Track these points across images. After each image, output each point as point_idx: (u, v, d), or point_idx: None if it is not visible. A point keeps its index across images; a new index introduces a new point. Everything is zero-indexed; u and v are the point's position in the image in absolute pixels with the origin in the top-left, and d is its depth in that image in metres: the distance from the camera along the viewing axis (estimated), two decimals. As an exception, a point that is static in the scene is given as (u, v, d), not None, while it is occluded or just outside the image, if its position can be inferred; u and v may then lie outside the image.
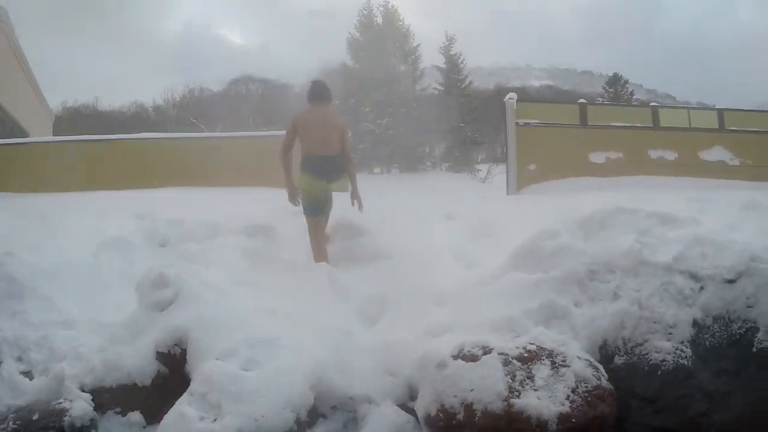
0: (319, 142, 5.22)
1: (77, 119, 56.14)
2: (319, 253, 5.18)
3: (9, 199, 10.11)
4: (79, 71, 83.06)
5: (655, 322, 3.13)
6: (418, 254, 4.82)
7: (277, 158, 5.44)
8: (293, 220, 7.04)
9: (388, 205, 9.22)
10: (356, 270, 4.82)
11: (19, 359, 3.72)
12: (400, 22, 36.21)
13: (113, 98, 64.64)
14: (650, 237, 3.54)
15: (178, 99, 65.87)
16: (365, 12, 36.33)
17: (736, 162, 13.84)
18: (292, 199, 5.40)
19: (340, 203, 5.68)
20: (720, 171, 13.54)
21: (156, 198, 9.75)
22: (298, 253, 5.41)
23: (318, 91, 5.54)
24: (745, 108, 17.11)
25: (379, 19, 36.09)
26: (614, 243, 3.55)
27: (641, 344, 3.11)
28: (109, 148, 13.11)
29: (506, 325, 3.13)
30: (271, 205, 7.85)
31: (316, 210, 5.26)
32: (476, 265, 4.84)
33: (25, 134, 22.00)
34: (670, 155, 14.28)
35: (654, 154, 14.34)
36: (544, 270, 3.49)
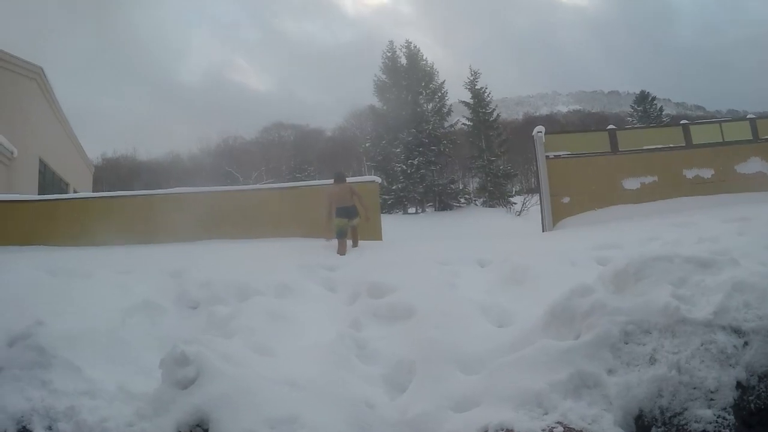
0: (341, 200, 9.54)
1: (117, 170, 58.19)
2: (342, 252, 8.95)
3: (45, 252, 10.34)
4: (112, 122, 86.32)
5: (695, 388, 2.91)
6: (447, 311, 4.64)
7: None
8: (319, 274, 7.07)
9: (417, 252, 9.11)
10: (384, 330, 4.70)
11: (49, 429, 3.80)
12: (424, 61, 36.54)
13: (150, 148, 66.57)
14: (687, 287, 3.33)
15: (212, 148, 67.78)
16: (389, 54, 36.82)
17: (775, 171, 13.40)
18: (329, 235, 9.47)
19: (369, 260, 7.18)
20: (759, 183, 13.04)
21: (192, 252, 9.86)
22: (324, 311, 5.35)
23: (339, 177, 10.25)
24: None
25: (403, 60, 36.49)
26: (650, 297, 3.34)
27: (680, 413, 2.88)
28: (144, 203, 13.35)
29: (534, 399, 2.94)
30: (301, 258, 7.89)
31: (342, 235, 9.26)
32: (507, 321, 4.63)
33: (66, 186, 22.84)
34: (706, 173, 13.83)
35: (689, 173, 13.91)
36: (577, 331, 3.29)
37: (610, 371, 3.06)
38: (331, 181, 10.28)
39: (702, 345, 3.04)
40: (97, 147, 68.19)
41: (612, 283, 3.58)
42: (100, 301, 5.82)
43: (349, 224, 9.38)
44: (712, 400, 2.86)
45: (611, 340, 3.17)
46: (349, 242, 9.53)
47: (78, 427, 3.81)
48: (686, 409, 2.87)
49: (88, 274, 6.92)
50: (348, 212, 9.41)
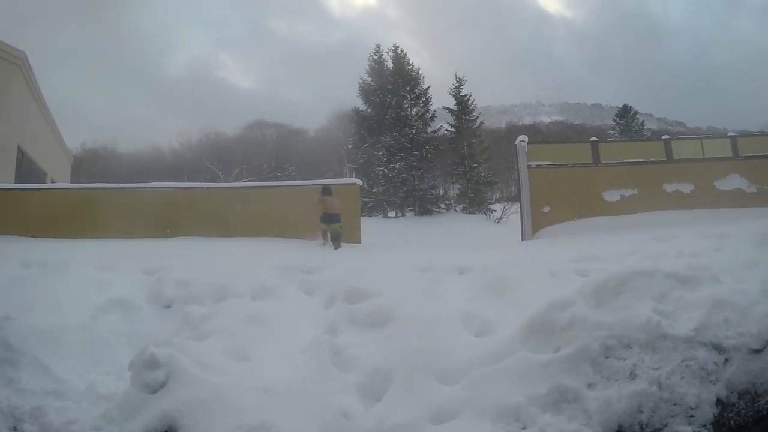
0: (329, 208, 11.61)
1: (96, 161, 57.27)
2: (323, 239, 11.63)
3: (19, 243, 10.09)
4: (93, 112, 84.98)
5: (675, 404, 2.89)
6: (426, 318, 4.54)
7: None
8: (299, 277, 6.98)
9: (397, 257, 9.08)
10: (361, 336, 4.60)
11: (14, 430, 3.67)
12: (410, 66, 36.60)
13: (130, 140, 65.77)
14: (668, 302, 3.32)
15: (194, 143, 67.19)
16: (375, 57, 36.81)
17: (753, 189, 13.56)
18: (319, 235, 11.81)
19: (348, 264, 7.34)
20: (737, 199, 13.32)
21: (170, 249, 9.70)
22: (301, 315, 5.27)
23: (327, 190, 12.06)
24: (756, 131, 16.88)
25: (390, 64, 36.51)
26: (631, 312, 3.30)
27: (660, 429, 2.86)
28: (125, 197, 13.14)
29: (513, 413, 2.89)
30: (282, 259, 7.80)
31: (324, 232, 11.65)
32: (487, 331, 4.57)
33: (43, 175, 22.38)
34: (686, 188, 14.04)
35: (669, 187, 14.10)
36: (556, 345, 3.24)
37: (590, 385, 3.02)
38: (320, 188, 12.45)
39: (683, 361, 3.02)
40: (77, 137, 66.93)
41: (592, 296, 3.53)
42: (74, 296, 5.66)
43: (329, 228, 11.67)
44: (692, 416, 2.85)
45: (591, 354, 3.13)
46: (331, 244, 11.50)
47: (43, 428, 3.69)
48: (666, 425, 2.85)
49: (63, 267, 6.74)
50: (330, 219, 11.64)
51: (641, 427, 2.91)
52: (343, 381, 3.80)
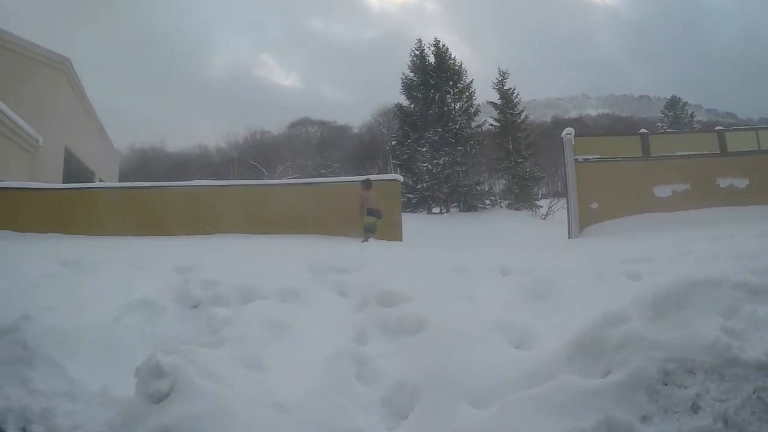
0: (372, 204, 11.88)
1: (145, 160, 58.88)
2: (368, 236, 11.57)
3: (62, 241, 10.24)
4: (140, 115, 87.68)
5: (745, 448, 2.37)
6: (461, 327, 4.18)
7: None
8: (332, 277, 6.71)
9: (435, 256, 8.71)
10: (389, 344, 4.25)
11: (23, 430, 3.63)
12: (452, 60, 36.13)
13: (178, 141, 67.70)
14: (738, 319, 2.83)
15: (240, 142, 68.22)
16: (417, 52, 36.47)
17: (813, 184, 12.75)
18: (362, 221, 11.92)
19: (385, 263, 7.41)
20: None
21: (207, 247, 9.63)
22: (329, 319, 4.99)
23: (368, 183, 12.31)
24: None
25: (432, 59, 36.13)
26: (695, 330, 2.81)
27: (725, 477, 2.35)
28: (163, 195, 13.27)
29: (552, 452, 2.48)
30: (316, 257, 7.58)
31: (370, 232, 11.65)
32: (528, 342, 4.14)
33: (92, 175, 23.09)
34: (741, 182, 13.30)
35: (723, 182, 13.40)
36: (606, 368, 2.79)
37: (644, 418, 2.56)
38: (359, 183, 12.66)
39: (755, 392, 2.51)
40: (126, 138, 69.09)
41: (650, 309, 3.01)
42: (101, 296, 5.54)
43: (378, 222, 11.91)
44: (765, 463, 2.36)
45: (648, 380, 2.65)
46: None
47: (49, 431, 3.60)
48: (733, 472, 2.37)
49: (96, 266, 6.69)
50: (371, 214, 11.84)
51: (702, 472, 2.41)
52: (364, 396, 3.45)
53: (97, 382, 4.05)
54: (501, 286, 5.96)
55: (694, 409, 2.53)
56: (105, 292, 5.67)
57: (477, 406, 3.08)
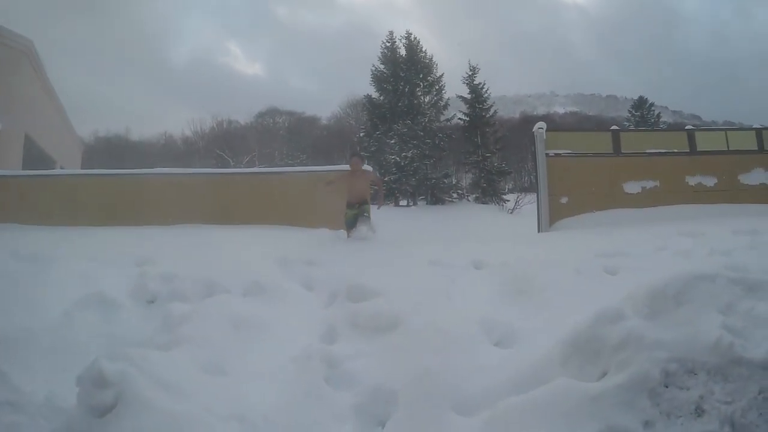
0: (356, 191, 10.16)
1: (109, 149, 57.26)
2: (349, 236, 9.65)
3: (13, 232, 9.67)
4: (104, 103, 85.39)
5: (754, 452, 2.19)
6: (439, 324, 3.91)
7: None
8: (298, 270, 6.40)
9: (407, 249, 8.46)
10: (361, 344, 3.95)
11: None
12: (423, 53, 35.94)
13: (142, 129, 66.37)
14: (737, 316, 2.65)
15: (206, 131, 66.88)
16: (388, 44, 36.16)
17: (779, 184, 13.03)
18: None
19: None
20: (762, 195, 12.77)
21: (168, 238, 9.20)
22: (296, 315, 4.68)
23: (357, 160, 10.56)
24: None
25: (402, 51, 35.87)
26: (697, 328, 2.63)
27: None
28: (123, 183, 12.74)
29: (550, 467, 2.25)
30: (285, 250, 7.23)
31: (351, 227, 9.86)
32: (513, 341, 3.89)
33: (53, 163, 22.21)
34: (709, 181, 13.52)
35: (692, 180, 13.59)
36: (603, 369, 2.58)
37: (646, 424, 2.35)
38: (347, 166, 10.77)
39: (760, 393, 2.35)
40: (89, 126, 67.16)
41: (646, 306, 2.80)
42: (55, 290, 5.12)
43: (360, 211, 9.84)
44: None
45: (650, 382, 2.45)
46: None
47: None
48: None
49: (51, 258, 6.23)
50: (358, 205, 10.01)
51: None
52: (336, 403, 3.14)
53: (44, 390, 3.69)
54: (479, 281, 5.70)
55: (699, 412, 2.33)
56: (59, 286, 5.25)
57: (463, 414, 2.81)
